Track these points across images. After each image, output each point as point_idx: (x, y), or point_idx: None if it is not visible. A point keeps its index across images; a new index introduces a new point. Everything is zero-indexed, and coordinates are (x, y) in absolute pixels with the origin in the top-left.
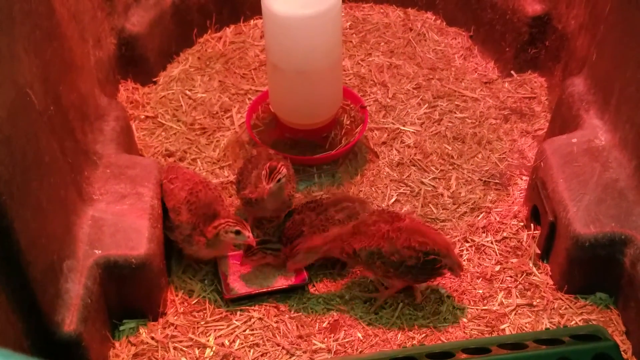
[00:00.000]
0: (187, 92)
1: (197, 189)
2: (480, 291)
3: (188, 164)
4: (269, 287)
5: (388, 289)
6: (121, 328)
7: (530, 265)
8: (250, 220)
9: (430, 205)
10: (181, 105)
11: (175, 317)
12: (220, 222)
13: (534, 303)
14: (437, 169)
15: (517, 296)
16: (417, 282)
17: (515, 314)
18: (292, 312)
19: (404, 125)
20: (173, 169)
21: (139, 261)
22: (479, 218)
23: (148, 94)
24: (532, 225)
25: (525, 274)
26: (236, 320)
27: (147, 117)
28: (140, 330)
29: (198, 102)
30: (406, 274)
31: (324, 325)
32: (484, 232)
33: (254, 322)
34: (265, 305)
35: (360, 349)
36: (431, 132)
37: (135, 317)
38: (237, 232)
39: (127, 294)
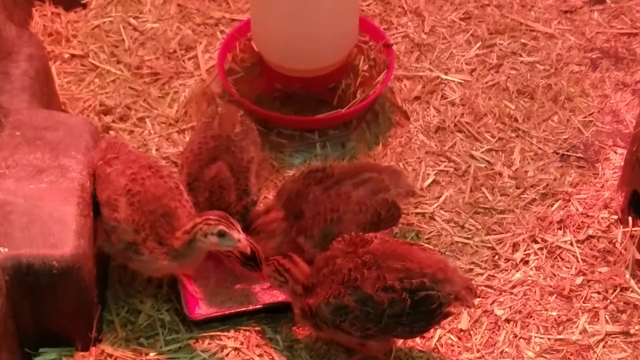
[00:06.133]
0: (132, 21)
1: (143, 174)
2: (554, 313)
3: (133, 125)
4: (250, 306)
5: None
6: None
7: (627, 276)
8: None
9: (483, 188)
10: (123, 40)
11: (115, 346)
12: (196, 222)
13: (632, 331)
14: (494, 137)
15: (607, 321)
16: (414, 336)
17: (604, 346)
18: (282, 339)
19: (446, 74)
20: (113, 146)
21: (63, 265)
22: (553, 208)
23: (74, 22)
24: (630, 219)
25: (619, 290)
26: (202, 352)
27: (73, 56)
28: None
29: (147, 36)
30: (394, 327)
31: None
32: (560, 229)
33: (227, 354)
34: (245, 331)
35: None
36: (485, 83)
37: (57, 344)
38: (221, 234)
39: (46, 312)
